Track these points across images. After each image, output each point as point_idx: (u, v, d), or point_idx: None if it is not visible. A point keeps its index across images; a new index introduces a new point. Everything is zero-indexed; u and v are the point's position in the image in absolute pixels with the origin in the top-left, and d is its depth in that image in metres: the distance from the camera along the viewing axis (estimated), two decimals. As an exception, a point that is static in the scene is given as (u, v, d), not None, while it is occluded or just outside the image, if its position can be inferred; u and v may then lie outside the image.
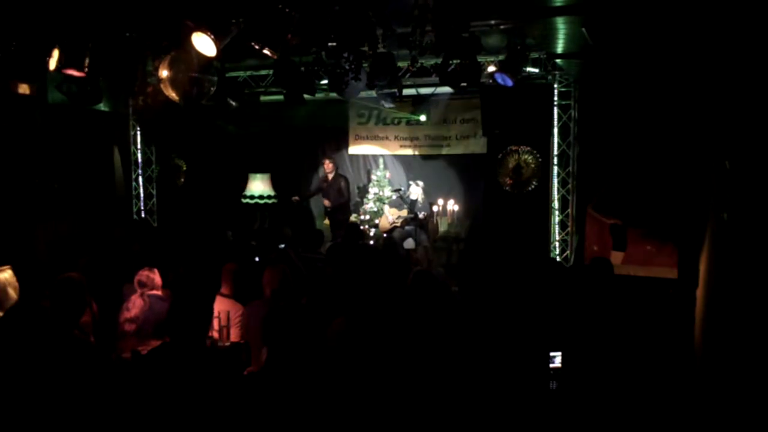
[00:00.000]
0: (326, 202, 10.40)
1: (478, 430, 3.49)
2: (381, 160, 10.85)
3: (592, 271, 4.71)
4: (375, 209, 10.50)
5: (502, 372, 3.67)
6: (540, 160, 9.35)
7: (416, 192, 9.80)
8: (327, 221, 10.56)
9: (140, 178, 10.93)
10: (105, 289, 5.51)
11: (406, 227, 9.70)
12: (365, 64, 6.18)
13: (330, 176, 10.25)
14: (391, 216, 9.87)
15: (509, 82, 6.78)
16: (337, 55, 5.79)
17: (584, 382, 3.77)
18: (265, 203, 10.66)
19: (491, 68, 7.12)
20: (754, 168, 2.91)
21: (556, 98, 8.52)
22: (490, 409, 3.53)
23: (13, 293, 4.51)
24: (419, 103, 10.11)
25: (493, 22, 6.20)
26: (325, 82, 6.55)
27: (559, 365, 3.81)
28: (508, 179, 9.59)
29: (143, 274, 5.26)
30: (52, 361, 3.14)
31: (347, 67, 5.89)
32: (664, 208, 7.21)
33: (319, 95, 7.17)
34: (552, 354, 3.82)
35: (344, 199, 10.29)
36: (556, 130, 8.59)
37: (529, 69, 7.64)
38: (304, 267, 6.98)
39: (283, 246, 7.57)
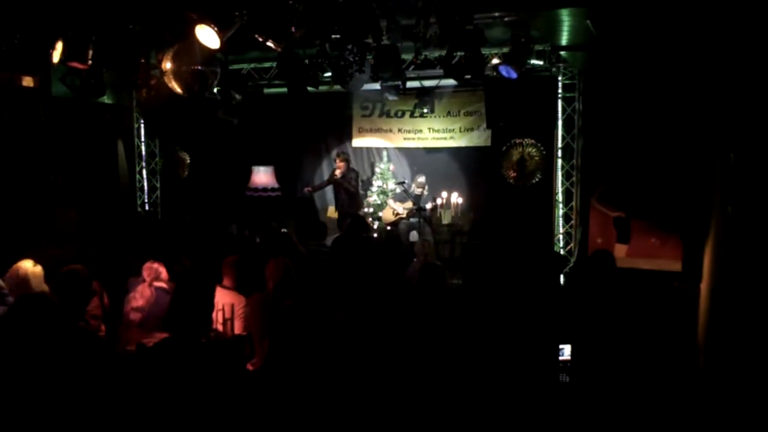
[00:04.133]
0: (333, 211, 10.44)
1: (489, 424, 3.49)
2: (385, 153, 10.83)
3: (594, 263, 4.70)
4: (378, 202, 10.49)
5: (511, 364, 3.68)
6: (544, 152, 9.33)
7: (419, 186, 9.80)
8: (335, 212, 10.54)
9: (144, 171, 10.95)
10: (111, 281, 5.54)
11: (411, 219, 9.70)
12: (369, 57, 6.16)
13: (343, 173, 10.18)
14: (399, 208, 9.86)
15: (513, 75, 6.76)
16: (341, 47, 5.77)
17: (591, 375, 3.77)
18: (269, 196, 10.65)
19: (495, 60, 7.10)
20: (758, 161, 2.90)
21: (560, 90, 8.50)
22: (501, 402, 3.54)
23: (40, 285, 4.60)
24: (423, 95, 10.08)
25: (497, 14, 6.18)
26: (329, 74, 6.54)
27: (568, 358, 3.81)
28: (512, 172, 9.57)
29: (149, 266, 5.29)
30: (56, 353, 3.16)
31: (351, 60, 5.87)
32: (668, 201, 7.20)
33: (322, 88, 7.15)
34: (561, 346, 3.82)
35: (355, 191, 10.31)
36: (560, 123, 8.56)
37: (534, 61, 7.61)
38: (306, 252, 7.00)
39: (284, 230, 7.57)
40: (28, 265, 4.75)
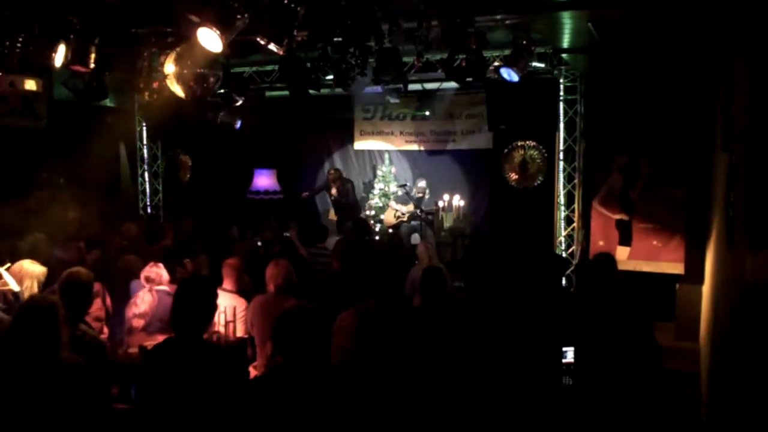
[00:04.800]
0: (334, 214, 10.44)
1: (492, 427, 3.49)
2: (386, 156, 10.84)
3: (596, 266, 4.70)
4: (380, 205, 10.50)
5: (513, 367, 3.67)
6: (546, 155, 9.33)
7: (419, 191, 9.81)
8: (334, 216, 10.57)
9: (146, 174, 10.97)
10: (113, 283, 5.55)
11: (412, 222, 9.71)
12: (371, 59, 6.17)
13: (338, 189, 10.15)
14: (403, 209, 9.86)
15: (515, 77, 6.76)
16: (342, 50, 5.79)
17: (594, 378, 3.77)
18: (271, 199, 10.67)
19: (497, 63, 7.09)
20: (759, 163, 2.90)
21: (561, 93, 8.49)
22: (504, 405, 3.53)
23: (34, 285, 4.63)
24: (425, 98, 10.09)
25: (498, 16, 6.18)
26: (330, 77, 6.55)
27: (572, 360, 3.80)
28: (513, 174, 9.57)
29: (150, 270, 5.29)
30: (60, 357, 3.16)
31: (353, 63, 5.89)
32: (670, 202, 7.20)
33: (324, 90, 7.17)
34: (564, 349, 3.82)
35: (353, 203, 10.30)
36: (561, 125, 8.56)
37: (535, 64, 7.61)
38: (308, 256, 7.00)
39: (287, 234, 7.58)
40: (24, 264, 4.77)
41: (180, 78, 5.83)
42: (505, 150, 9.65)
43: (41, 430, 3.03)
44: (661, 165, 7.28)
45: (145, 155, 10.94)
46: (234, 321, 5.01)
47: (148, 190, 11.00)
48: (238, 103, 7.13)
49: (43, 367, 3.07)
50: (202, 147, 10.92)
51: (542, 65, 7.85)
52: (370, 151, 11.28)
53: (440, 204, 9.95)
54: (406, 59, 6.91)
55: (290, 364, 2.79)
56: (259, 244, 8.13)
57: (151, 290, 5.17)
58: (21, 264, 4.78)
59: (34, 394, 3.02)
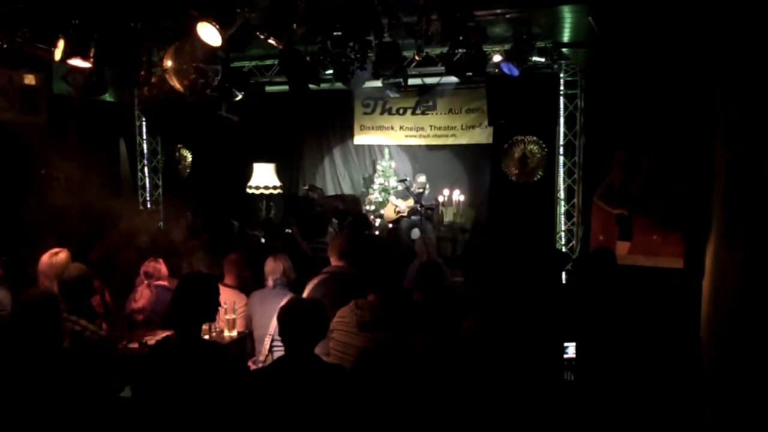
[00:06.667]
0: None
1: (494, 423, 3.49)
2: (386, 151, 10.83)
3: (595, 261, 4.70)
4: (380, 200, 10.49)
5: (515, 363, 3.67)
6: (546, 150, 9.31)
7: (419, 186, 9.80)
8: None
9: (146, 169, 10.96)
10: (115, 279, 5.54)
11: (412, 217, 9.70)
12: (371, 54, 6.16)
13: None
14: (402, 204, 9.85)
15: (515, 72, 6.75)
16: (342, 44, 5.77)
17: (595, 373, 3.77)
18: (270, 193, 10.66)
19: (497, 57, 7.08)
20: (762, 156, 2.90)
21: (562, 88, 8.48)
22: (505, 401, 3.53)
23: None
24: (425, 92, 10.07)
25: (498, 10, 6.17)
26: (330, 71, 6.54)
27: (573, 356, 3.81)
28: (513, 169, 9.56)
29: (149, 265, 5.29)
30: (60, 352, 3.16)
31: (352, 57, 5.87)
32: (670, 198, 7.19)
33: (324, 85, 7.15)
34: (565, 344, 3.82)
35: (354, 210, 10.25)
36: (562, 120, 8.55)
37: (535, 58, 7.60)
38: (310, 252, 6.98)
39: (289, 231, 7.57)
40: (49, 259, 4.64)
41: (179, 72, 5.81)
42: (505, 145, 9.63)
43: (41, 422, 3.04)
44: (662, 160, 7.26)
45: (145, 150, 10.93)
46: (235, 316, 5.02)
47: (147, 185, 11.00)
48: (238, 98, 7.11)
49: (45, 356, 3.07)
50: (201, 142, 10.90)
51: (542, 60, 7.84)
52: (369, 146, 11.27)
53: (440, 199, 9.94)
54: (405, 53, 6.90)
55: (292, 357, 2.79)
56: (262, 239, 8.12)
57: (150, 285, 5.17)
58: (45, 259, 4.60)
59: (32, 390, 3.03)
